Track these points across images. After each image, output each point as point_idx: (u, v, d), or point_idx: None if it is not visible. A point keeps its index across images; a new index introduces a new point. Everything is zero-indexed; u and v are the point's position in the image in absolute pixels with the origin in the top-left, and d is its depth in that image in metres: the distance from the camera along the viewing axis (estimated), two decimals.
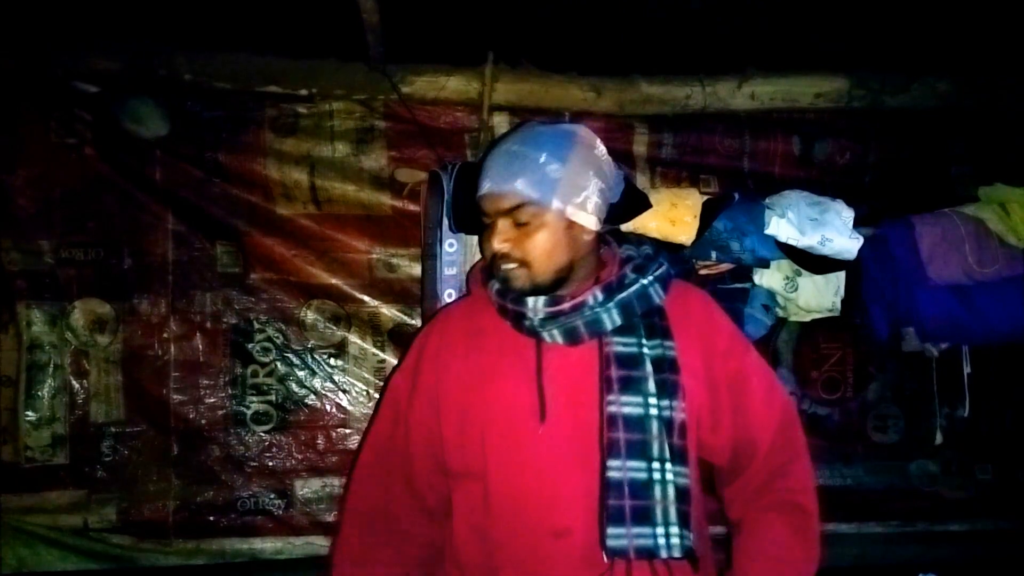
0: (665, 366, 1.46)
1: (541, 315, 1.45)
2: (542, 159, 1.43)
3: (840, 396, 2.92)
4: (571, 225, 1.45)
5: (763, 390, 1.55)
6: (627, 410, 1.42)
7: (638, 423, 1.42)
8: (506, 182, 1.42)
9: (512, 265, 1.45)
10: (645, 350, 1.46)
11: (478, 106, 2.61)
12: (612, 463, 1.40)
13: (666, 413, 1.43)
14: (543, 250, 1.44)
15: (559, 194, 1.43)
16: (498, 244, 1.44)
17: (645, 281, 1.48)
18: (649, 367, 1.45)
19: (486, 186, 1.45)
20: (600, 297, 1.45)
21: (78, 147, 2.55)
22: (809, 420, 2.88)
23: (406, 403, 1.59)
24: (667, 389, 1.44)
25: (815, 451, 2.80)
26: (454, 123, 2.69)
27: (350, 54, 2.49)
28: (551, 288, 1.46)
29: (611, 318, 1.46)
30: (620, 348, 1.46)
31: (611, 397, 1.42)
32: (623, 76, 2.63)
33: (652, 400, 1.43)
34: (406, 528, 1.58)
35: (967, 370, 2.75)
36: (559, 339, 1.46)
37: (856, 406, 2.93)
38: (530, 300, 1.46)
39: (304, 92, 2.60)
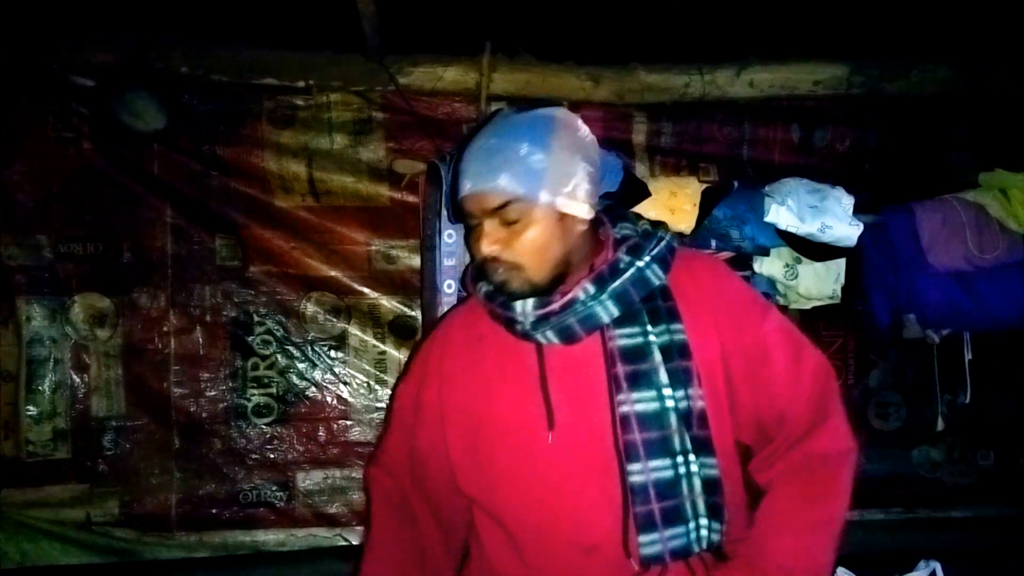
0: (675, 353, 1.35)
1: (532, 318, 1.34)
2: (523, 150, 1.30)
3: (841, 383, 2.88)
4: (563, 217, 1.33)
5: (787, 359, 1.40)
6: (640, 407, 1.32)
7: (654, 419, 1.32)
8: (488, 179, 1.30)
9: (504, 269, 1.33)
10: (651, 338, 1.35)
11: (476, 96, 2.60)
12: (632, 467, 1.30)
13: (683, 404, 1.33)
14: (536, 248, 1.32)
15: (547, 186, 1.30)
16: (487, 247, 1.32)
17: (641, 264, 1.35)
18: (658, 357, 1.34)
19: (467, 186, 1.33)
20: (592, 290, 1.33)
21: (76, 141, 2.55)
22: None
23: (413, 418, 1.50)
24: (680, 378, 1.34)
25: None
26: (452, 114, 2.68)
27: (347, 45, 2.48)
28: (551, 287, 1.34)
29: (607, 310, 1.34)
30: (624, 341, 1.35)
31: (621, 396, 1.32)
32: (621, 65, 2.62)
33: (667, 392, 1.32)
34: (437, 560, 1.52)
35: (968, 356, 2.74)
36: (555, 340, 1.35)
37: (858, 393, 2.93)
38: (518, 304, 1.35)
39: (301, 84, 2.59)
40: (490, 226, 1.32)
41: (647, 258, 1.37)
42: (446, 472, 1.47)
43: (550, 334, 1.35)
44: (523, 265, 1.33)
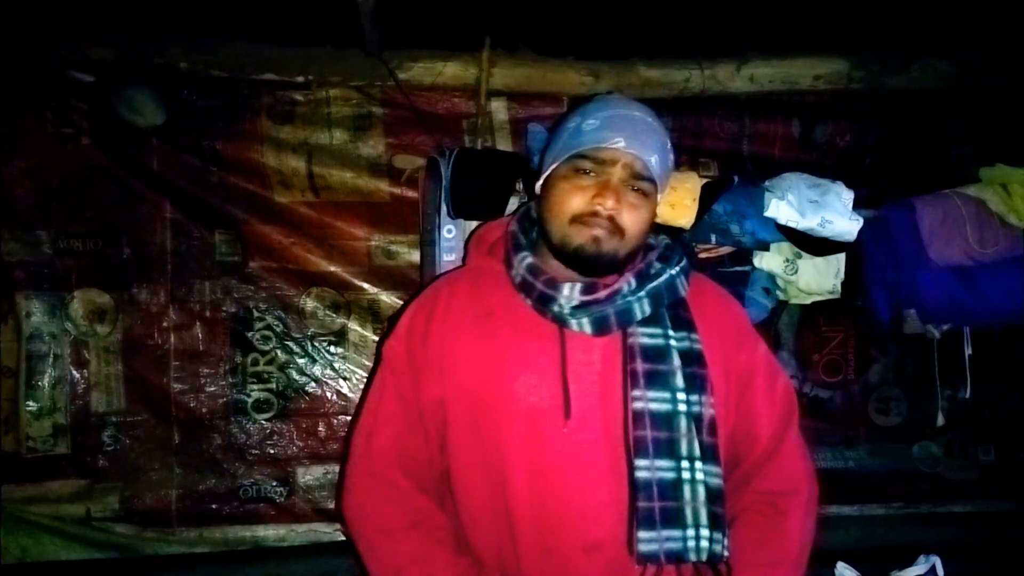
0: (693, 359, 1.40)
1: (575, 302, 1.37)
2: (668, 146, 1.45)
3: (842, 379, 2.91)
4: (654, 214, 1.46)
5: (768, 383, 1.52)
6: (654, 406, 1.35)
7: (665, 420, 1.35)
8: (647, 151, 1.39)
9: (610, 229, 1.37)
10: (672, 342, 1.40)
11: (475, 91, 2.59)
12: (640, 463, 1.33)
13: (695, 409, 1.37)
14: (643, 226, 1.42)
15: (663, 185, 1.45)
16: (614, 203, 1.36)
17: (673, 272, 1.44)
18: (677, 360, 1.39)
19: (621, 143, 1.37)
20: (634, 285, 1.39)
21: (75, 137, 2.54)
22: (811, 403, 2.88)
23: (410, 378, 1.46)
24: (695, 384, 1.38)
25: (817, 434, 2.85)
26: (451, 109, 2.67)
27: (346, 40, 2.47)
28: (620, 264, 1.42)
29: (641, 308, 1.39)
30: (646, 340, 1.39)
31: (636, 392, 1.36)
32: (621, 60, 2.62)
33: (680, 395, 1.37)
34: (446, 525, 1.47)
35: (969, 351, 2.74)
36: (587, 329, 1.38)
37: (858, 389, 2.93)
38: (565, 287, 1.38)
39: (300, 79, 2.58)
40: (622, 186, 1.39)
41: (677, 268, 1.45)
42: (433, 443, 1.46)
43: (585, 322, 1.38)
44: (627, 233, 1.39)
